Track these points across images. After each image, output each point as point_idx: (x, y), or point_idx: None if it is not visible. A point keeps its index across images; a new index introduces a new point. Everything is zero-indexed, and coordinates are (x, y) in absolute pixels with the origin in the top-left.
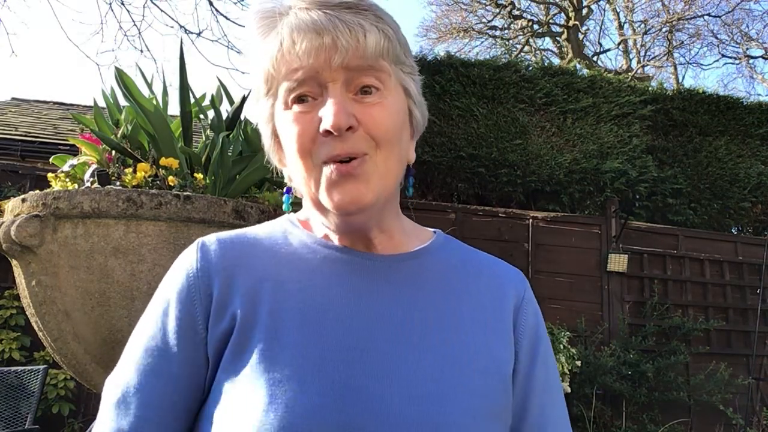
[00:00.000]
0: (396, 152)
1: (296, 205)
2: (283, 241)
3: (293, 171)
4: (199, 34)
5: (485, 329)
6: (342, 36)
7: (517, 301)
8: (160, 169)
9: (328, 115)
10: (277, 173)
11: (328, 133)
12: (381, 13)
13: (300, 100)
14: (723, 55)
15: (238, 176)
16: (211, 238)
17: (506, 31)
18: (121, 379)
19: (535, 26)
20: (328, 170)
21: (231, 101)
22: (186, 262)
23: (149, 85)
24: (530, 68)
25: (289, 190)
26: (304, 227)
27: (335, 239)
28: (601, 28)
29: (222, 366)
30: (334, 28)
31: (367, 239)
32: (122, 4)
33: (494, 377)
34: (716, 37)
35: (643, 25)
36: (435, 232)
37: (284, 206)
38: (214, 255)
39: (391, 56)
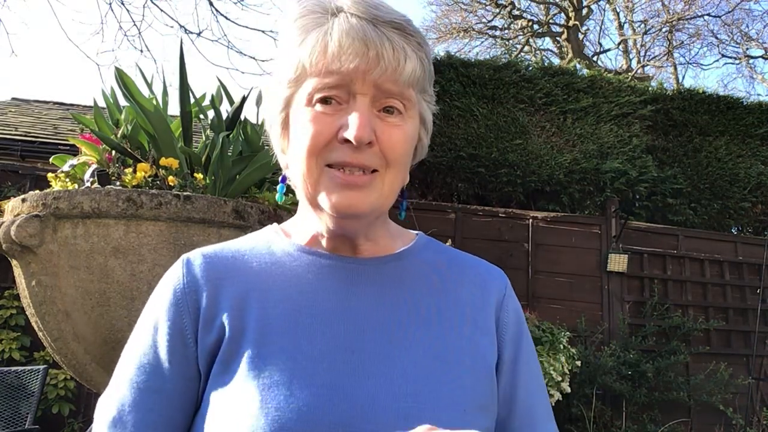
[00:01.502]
0: (402, 173)
1: (289, 193)
2: (267, 251)
3: (294, 165)
4: (199, 34)
5: (469, 325)
6: (386, 54)
7: (499, 297)
8: (160, 169)
9: (353, 125)
10: (275, 171)
11: (347, 141)
12: (422, 41)
13: (324, 101)
14: (723, 55)
15: (238, 176)
16: (196, 254)
17: (506, 31)
18: (115, 398)
19: (535, 26)
20: (334, 175)
21: (231, 101)
22: (172, 278)
23: (149, 85)
24: (530, 68)
25: (284, 179)
26: (287, 237)
27: (323, 241)
28: (601, 28)
29: (212, 376)
30: (381, 44)
31: (353, 245)
32: (122, 4)
33: (480, 371)
34: (716, 37)
35: (643, 25)
36: (417, 234)
37: (277, 195)
38: (200, 269)
39: (419, 86)
